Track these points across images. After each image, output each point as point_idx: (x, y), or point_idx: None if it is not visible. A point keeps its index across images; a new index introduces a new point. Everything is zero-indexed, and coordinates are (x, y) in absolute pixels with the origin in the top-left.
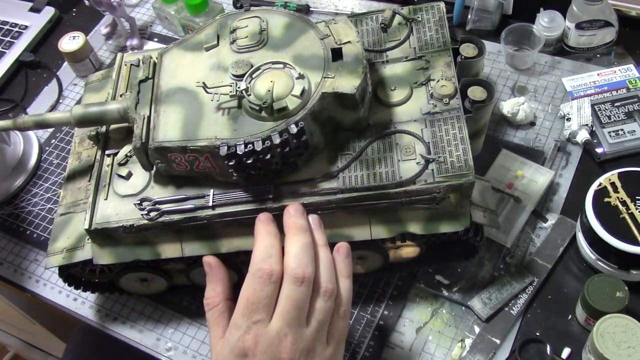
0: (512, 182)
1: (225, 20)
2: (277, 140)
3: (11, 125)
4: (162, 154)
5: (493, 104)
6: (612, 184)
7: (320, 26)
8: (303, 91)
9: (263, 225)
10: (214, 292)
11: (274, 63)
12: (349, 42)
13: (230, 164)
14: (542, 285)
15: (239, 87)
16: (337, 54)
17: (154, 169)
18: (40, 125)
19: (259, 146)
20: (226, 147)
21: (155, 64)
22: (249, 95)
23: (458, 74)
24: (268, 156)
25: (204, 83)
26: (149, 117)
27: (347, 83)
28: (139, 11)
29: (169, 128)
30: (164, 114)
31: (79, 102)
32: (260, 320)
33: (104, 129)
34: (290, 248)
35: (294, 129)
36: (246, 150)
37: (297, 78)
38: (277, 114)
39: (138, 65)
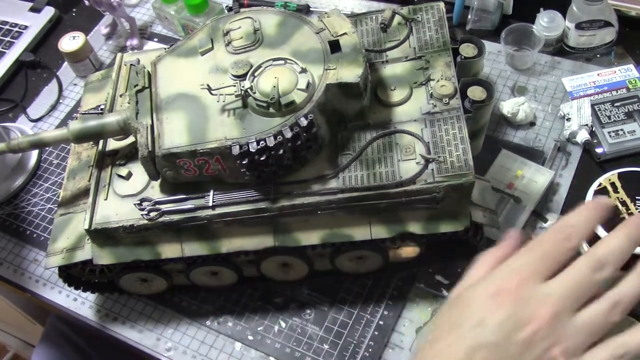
0: (512, 182)
1: (216, 23)
2: (288, 134)
3: (5, 148)
4: (171, 160)
5: (493, 104)
6: (612, 184)
7: (313, 21)
8: (308, 84)
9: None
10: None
11: (274, 60)
12: (344, 33)
13: (243, 162)
14: None
15: (243, 87)
16: (334, 46)
17: (160, 178)
18: (36, 145)
19: (271, 142)
20: (238, 146)
21: (149, 73)
22: (254, 93)
23: (458, 74)
24: (280, 151)
25: (208, 85)
26: (151, 126)
27: (350, 73)
28: (139, 11)
29: (174, 134)
30: (167, 121)
31: (78, 102)
32: (536, 274)
33: None
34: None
35: (304, 122)
36: (258, 147)
37: (300, 72)
38: (285, 108)
39: (137, 65)
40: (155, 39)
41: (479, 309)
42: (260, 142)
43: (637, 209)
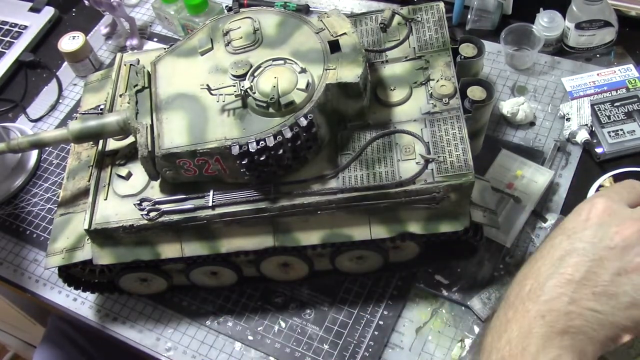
0: (511, 182)
1: (216, 23)
2: (288, 134)
3: (5, 148)
4: (171, 160)
5: (492, 104)
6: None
7: (313, 21)
8: (308, 84)
9: None
10: None
11: (274, 60)
12: (344, 33)
13: (243, 162)
14: None
15: (243, 87)
16: (334, 46)
17: (160, 178)
18: (36, 145)
19: (270, 142)
20: (237, 146)
21: (149, 73)
22: (254, 93)
23: (457, 74)
24: (280, 151)
25: (207, 85)
26: (151, 126)
27: (350, 73)
28: (138, 11)
29: (174, 134)
30: (167, 121)
31: (78, 102)
32: (621, 200)
33: None
34: None
35: (303, 122)
36: (258, 147)
37: (299, 72)
38: (285, 109)
39: (137, 65)
40: (155, 39)
41: (572, 224)
42: (260, 142)
43: None
